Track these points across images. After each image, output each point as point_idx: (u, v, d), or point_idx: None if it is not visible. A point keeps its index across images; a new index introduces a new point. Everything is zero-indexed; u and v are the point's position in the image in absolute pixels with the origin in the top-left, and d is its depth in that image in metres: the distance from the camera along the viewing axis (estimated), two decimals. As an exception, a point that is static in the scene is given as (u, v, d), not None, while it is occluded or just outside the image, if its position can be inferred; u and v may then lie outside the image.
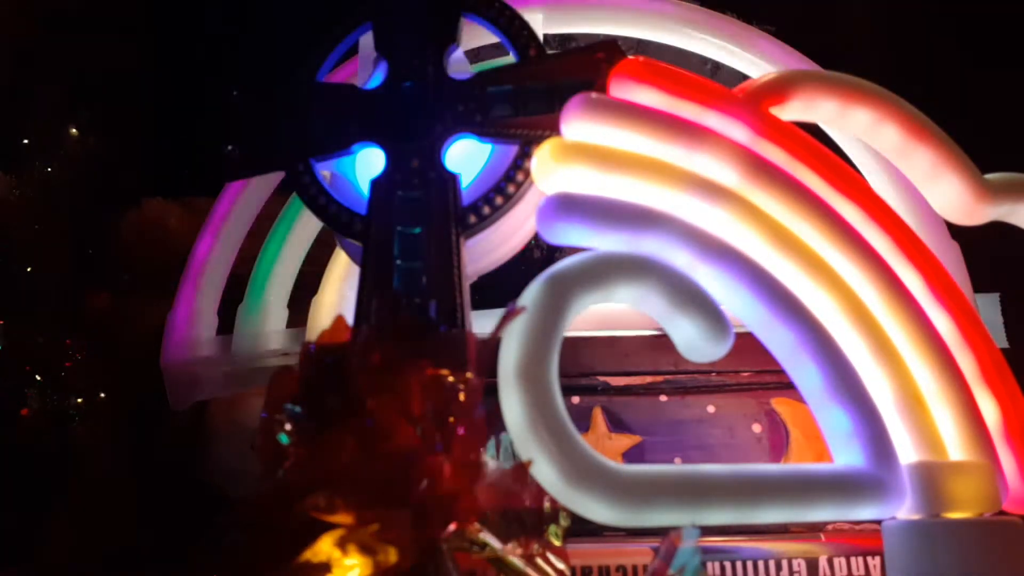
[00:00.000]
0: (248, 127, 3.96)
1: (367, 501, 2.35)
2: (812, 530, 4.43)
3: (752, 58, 4.80)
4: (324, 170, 3.85)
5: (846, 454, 3.29)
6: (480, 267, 3.93)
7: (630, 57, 3.65)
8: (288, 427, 2.47)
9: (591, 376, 4.94)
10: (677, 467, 3.58)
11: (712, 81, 3.72)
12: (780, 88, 3.71)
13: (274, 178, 5.29)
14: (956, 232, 4.11)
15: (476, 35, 4.05)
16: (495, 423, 2.84)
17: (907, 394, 3.34)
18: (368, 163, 3.80)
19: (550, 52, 3.83)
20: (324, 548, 2.31)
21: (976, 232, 3.93)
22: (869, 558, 4.41)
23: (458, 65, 3.90)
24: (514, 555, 2.44)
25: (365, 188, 3.69)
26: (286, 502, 2.36)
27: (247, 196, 5.66)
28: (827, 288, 3.43)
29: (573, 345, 3.35)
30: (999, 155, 4.03)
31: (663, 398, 4.95)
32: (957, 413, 3.34)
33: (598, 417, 4.88)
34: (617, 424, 4.89)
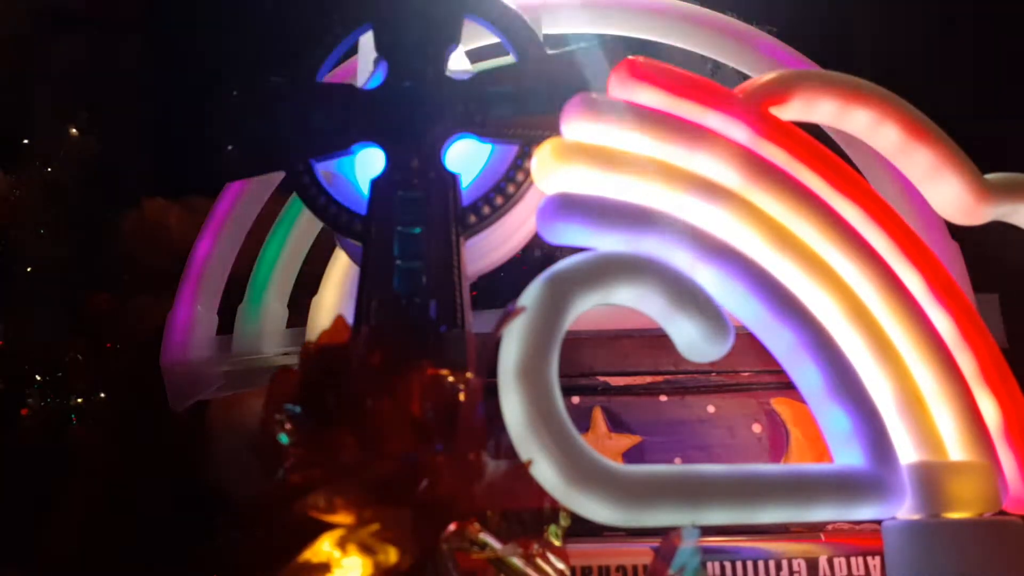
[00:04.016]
0: (248, 127, 3.95)
1: (367, 501, 2.35)
2: (812, 530, 4.42)
3: (752, 58, 4.79)
4: (324, 170, 3.85)
5: (846, 454, 3.29)
6: (480, 267, 3.93)
7: (630, 57, 3.65)
8: (288, 427, 2.47)
9: (591, 376, 4.94)
10: (677, 467, 3.59)
11: (712, 81, 3.72)
12: (780, 88, 3.71)
13: (274, 178, 5.29)
14: (956, 232, 4.11)
15: (476, 35, 4.05)
16: (495, 423, 2.84)
17: (907, 394, 3.34)
18: (368, 163, 3.79)
19: (550, 52, 3.83)
20: (324, 548, 2.31)
21: (976, 232, 3.93)
22: (869, 558, 4.40)
23: (458, 65, 3.90)
24: (514, 555, 2.44)
25: (365, 188, 3.69)
26: (286, 502, 2.36)
27: (247, 196, 5.66)
28: (827, 288, 3.43)
29: (573, 345, 3.35)
30: (999, 154, 4.03)
31: (663, 398, 4.94)
32: (957, 413, 3.34)
33: (598, 417, 4.88)
34: (617, 424, 4.89)
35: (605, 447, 4.75)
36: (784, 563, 4.39)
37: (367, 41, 4.07)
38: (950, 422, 3.34)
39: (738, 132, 3.55)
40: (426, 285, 3.40)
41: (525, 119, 3.63)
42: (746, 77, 4.47)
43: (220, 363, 5.49)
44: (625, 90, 3.57)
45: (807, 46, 4.76)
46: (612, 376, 4.94)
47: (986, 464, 3.28)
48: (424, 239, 3.50)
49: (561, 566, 2.52)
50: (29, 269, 10.53)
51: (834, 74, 3.88)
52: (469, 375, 2.59)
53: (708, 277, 3.34)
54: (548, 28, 4.54)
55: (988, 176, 3.76)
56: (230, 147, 3.96)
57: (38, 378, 10.24)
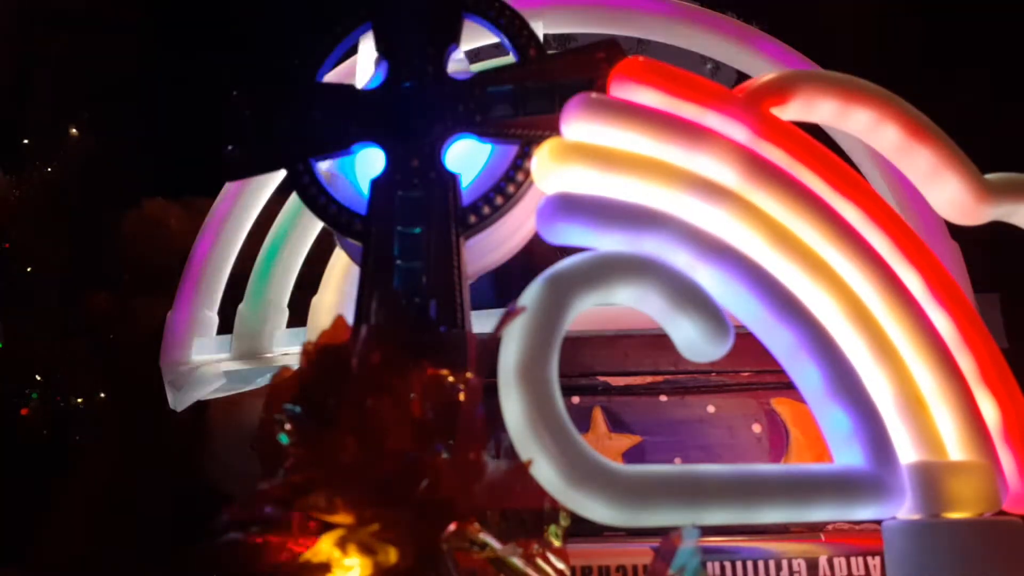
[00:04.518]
0: (248, 127, 3.95)
1: (367, 501, 2.35)
2: (812, 530, 4.43)
3: (752, 58, 4.80)
4: (324, 170, 3.85)
5: (846, 454, 3.29)
6: (480, 267, 3.93)
7: (630, 57, 3.65)
8: (288, 427, 2.47)
9: (591, 376, 4.94)
10: (677, 467, 3.58)
11: (712, 81, 3.72)
12: (780, 88, 3.71)
13: (274, 178, 5.30)
14: (956, 232, 4.11)
15: (476, 35, 4.05)
16: (495, 423, 2.84)
17: (907, 394, 3.34)
18: (368, 163, 3.80)
19: (550, 52, 3.83)
20: (324, 548, 2.31)
21: (976, 232, 3.93)
22: (869, 558, 4.41)
23: (458, 65, 3.90)
24: (514, 555, 2.44)
25: (365, 188, 3.69)
26: (286, 502, 2.36)
27: (247, 196, 5.66)
28: (827, 288, 3.43)
29: (573, 345, 3.34)
30: (999, 155, 4.03)
31: (663, 398, 4.95)
32: (957, 413, 3.33)
33: (598, 417, 4.89)
34: (617, 424, 4.90)
35: (605, 447, 4.75)
36: (784, 563, 4.39)
37: (367, 41, 4.07)
38: (950, 422, 3.33)
39: (738, 132, 3.54)
40: (426, 285, 3.40)
41: (525, 119, 3.63)
42: (746, 77, 4.48)
43: (220, 363, 5.49)
44: (625, 90, 3.57)
45: (806, 45, 4.76)
46: (612, 376, 4.94)
47: (986, 464, 3.28)
48: (424, 239, 3.49)
49: (561, 566, 2.52)
50: (29, 269, 10.53)
51: (834, 74, 3.87)
52: (469, 375, 2.59)
53: (708, 277, 3.34)
54: (548, 28, 4.54)
55: (988, 176, 3.76)
56: (230, 147, 3.96)
57: (38, 378, 10.25)
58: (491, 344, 2.87)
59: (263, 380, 5.46)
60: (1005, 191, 3.75)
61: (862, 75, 3.84)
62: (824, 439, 3.40)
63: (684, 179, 3.44)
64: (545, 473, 2.89)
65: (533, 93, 3.66)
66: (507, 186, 3.60)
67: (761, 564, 4.38)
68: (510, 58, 3.87)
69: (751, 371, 4.84)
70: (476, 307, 3.58)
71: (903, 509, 3.25)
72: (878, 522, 3.41)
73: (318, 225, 5.43)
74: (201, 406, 6.61)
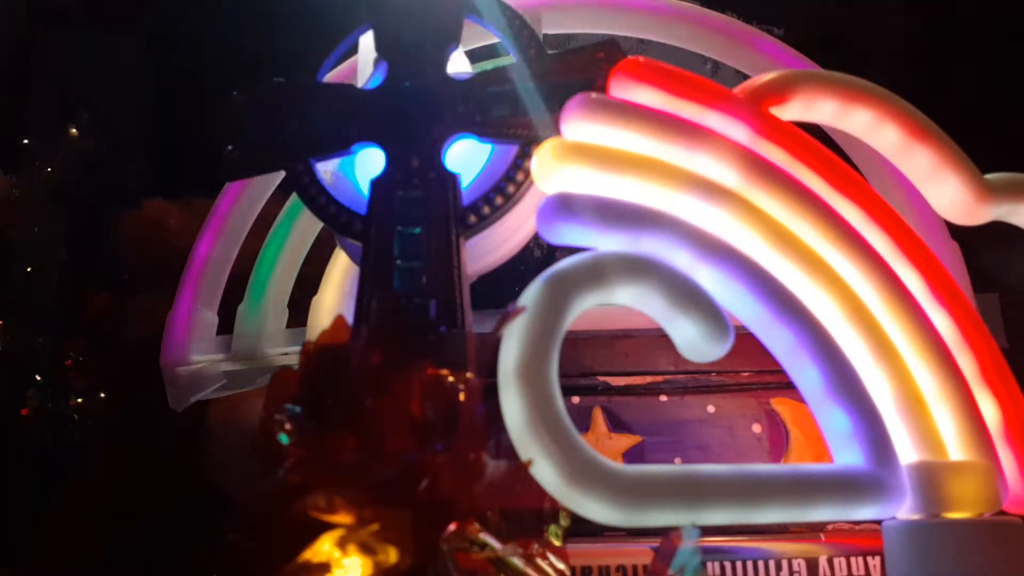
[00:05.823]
0: (248, 127, 3.95)
1: (367, 501, 2.35)
2: (812, 530, 4.43)
3: (752, 58, 4.80)
4: (325, 170, 3.85)
5: (846, 454, 3.29)
6: (480, 267, 3.93)
7: (630, 57, 3.65)
8: (288, 427, 2.47)
9: (591, 376, 4.94)
10: (677, 467, 3.59)
11: (712, 81, 3.72)
12: (780, 88, 3.71)
13: (274, 178, 5.29)
14: (956, 232, 4.11)
15: (476, 35, 4.05)
16: (495, 423, 2.84)
17: (907, 394, 3.34)
18: (368, 163, 3.80)
19: (550, 52, 3.83)
20: (324, 548, 2.32)
21: (976, 232, 3.93)
22: (869, 558, 4.41)
23: (458, 65, 3.90)
24: (514, 555, 2.44)
25: (365, 188, 3.69)
26: (286, 502, 2.36)
27: (247, 196, 5.66)
28: (827, 288, 3.43)
29: (573, 345, 3.35)
30: (999, 155, 4.03)
31: (663, 398, 4.95)
32: (957, 413, 3.33)
33: (598, 417, 4.89)
34: (617, 424, 4.90)
35: (605, 447, 4.75)
36: (784, 563, 4.39)
37: (367, 41, 4.07)
38: (950, 422, 3.33)
39: (738, 132, 3.54)
40: (426, 285, 3.40)
41: (525, 119, 3.63)
42: (746, 77, 4.48)
43: (220, 363, 5.49)
44: (625, 90, 3.57)
45: (807, 46, 4.76)
46: (612, 376, 4.94)
47: (986, 464, 3.28)
48: (424, 239, 3.50)
49: (561, 566, 2.53)
50: (29, 269, 10.54)
51: (834, 74, 3.87)
52: (469, 375, 2.59)
53: (708, 277, 3.34)
54: (548, 28, 4.54)
55: (988, 176, 3.76)
56: (230, 147, 3.96)
57: (38, 378, 10.25)
58: (491, 344, 2.88)
59: (263, 380, 5.46)
60: (1005, 191, 3.75)
61: (862, 75, 3.84)
62: (824, 439, 3.41)
63: (684, 179, 3.44)
64: (545, 473, 2.89)
65: (533, 93, 3.66)
66: (507, 186, 3.60)
67: (761, 564, 4.38)
68: (510, 58, 3.87)
69: (751, 371, 4.84)
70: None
71: (903, 509, 3.25)
72: (878, 522, 3.41)
73: (318, 225, 5.43)
74: (201, 406, 6.61)
